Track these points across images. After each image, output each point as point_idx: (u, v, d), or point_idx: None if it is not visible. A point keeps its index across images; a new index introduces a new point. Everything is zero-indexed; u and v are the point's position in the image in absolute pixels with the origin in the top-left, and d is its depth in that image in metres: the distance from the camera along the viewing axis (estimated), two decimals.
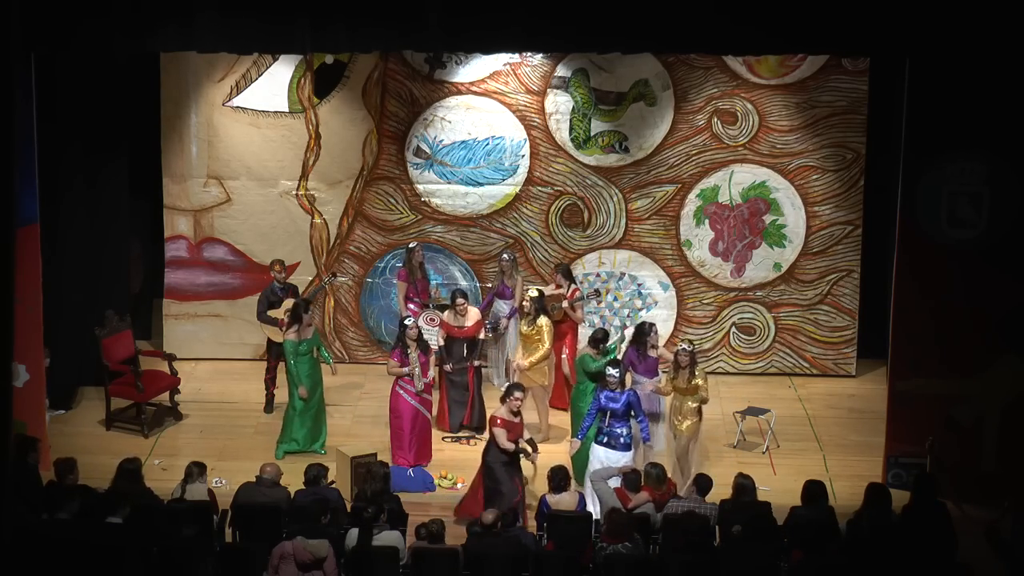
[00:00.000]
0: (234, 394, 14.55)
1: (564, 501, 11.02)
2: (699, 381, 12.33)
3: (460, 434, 13.62)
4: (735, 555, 10.05)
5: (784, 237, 15.04)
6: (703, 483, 11.04)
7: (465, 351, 13.56)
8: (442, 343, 13.57)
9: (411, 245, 14.45)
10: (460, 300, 13.58)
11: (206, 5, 11.67)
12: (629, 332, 13.33)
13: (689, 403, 12.38)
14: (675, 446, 12.49)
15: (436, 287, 14.79)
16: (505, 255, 14.39)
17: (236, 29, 11.83)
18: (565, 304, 13.85)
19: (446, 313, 13.69)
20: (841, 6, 11.58)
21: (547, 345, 13.25)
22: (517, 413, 11.72)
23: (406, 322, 12.97)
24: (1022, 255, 12.15)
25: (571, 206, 15.10)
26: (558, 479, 11.10)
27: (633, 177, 15.00)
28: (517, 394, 11.75)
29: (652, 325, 13.04)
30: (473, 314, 13.66)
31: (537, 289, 13.57)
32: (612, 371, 12.09)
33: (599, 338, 12.82)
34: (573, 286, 14.06)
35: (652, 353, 12.83)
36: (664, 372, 12.82)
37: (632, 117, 14.87)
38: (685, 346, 12.58)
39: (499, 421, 11.67)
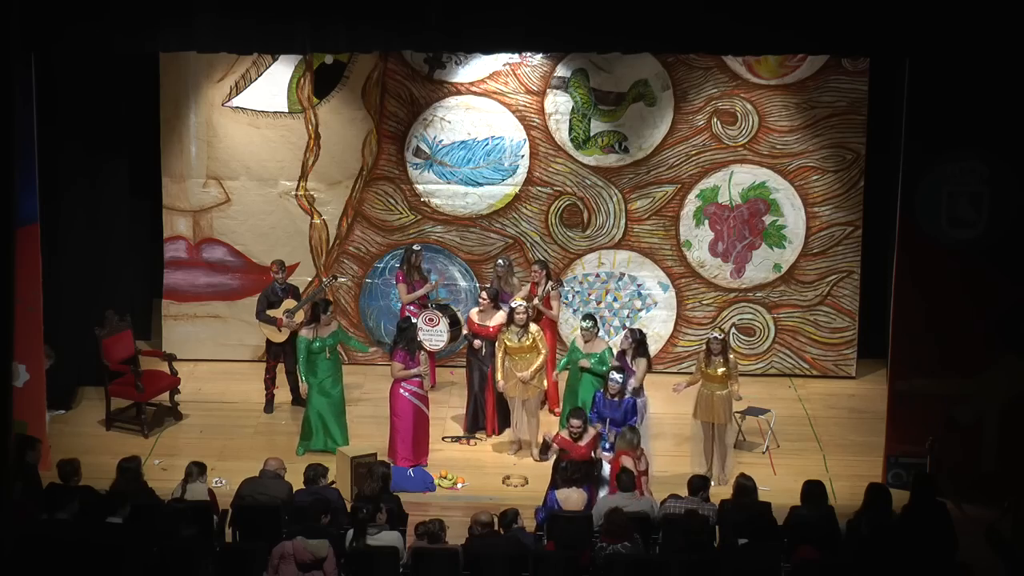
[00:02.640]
0: (234, 394, 14.54)
1: (572, 499, 11.01)
2: (722, 370, 12.47)
3: (460, 434, 13.61)
4: (735, 555, 10.05)
5: (784, 238, 15.04)
6: (695, 483, 11.05)
7: (484, 350, 13.44)
8: (466, 335, 13.54)
9: (415, 248, 14.42)
10: (482, 296, 13.54)
11: (206, 5, 11.69)
12: (616, 340, 13.37)
13: (719, 393, 12.44)
14: (701, 435, 12.64)
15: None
16: (500, 261, 14.32)
17: (236, 29, 11.86)
18: (536, 301, 13.68)
19: (474, 310, 13.67)
20: (841, 6, 11.60)
21: (544, 350, 13.14)
22: (578, 437, 11.77)
23: (413, 320, 13.05)
24: (1022, 255, 12.15)
25: (571, 206, 15.09)
26: (572, 472, 11.12)
27: (633, 177, 14.99)
28: (574, 421, 11.80)
29: (630, 331, 13.00)
30: (498, 316, 13.39)
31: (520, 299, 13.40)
32: (615, 376, 12.10)
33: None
34: (549, 282, 14.01)
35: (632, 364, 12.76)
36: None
37: (632, 117, 14.86)
38: (716, 334, 12.63)
39: (559, 438, 11.87)
